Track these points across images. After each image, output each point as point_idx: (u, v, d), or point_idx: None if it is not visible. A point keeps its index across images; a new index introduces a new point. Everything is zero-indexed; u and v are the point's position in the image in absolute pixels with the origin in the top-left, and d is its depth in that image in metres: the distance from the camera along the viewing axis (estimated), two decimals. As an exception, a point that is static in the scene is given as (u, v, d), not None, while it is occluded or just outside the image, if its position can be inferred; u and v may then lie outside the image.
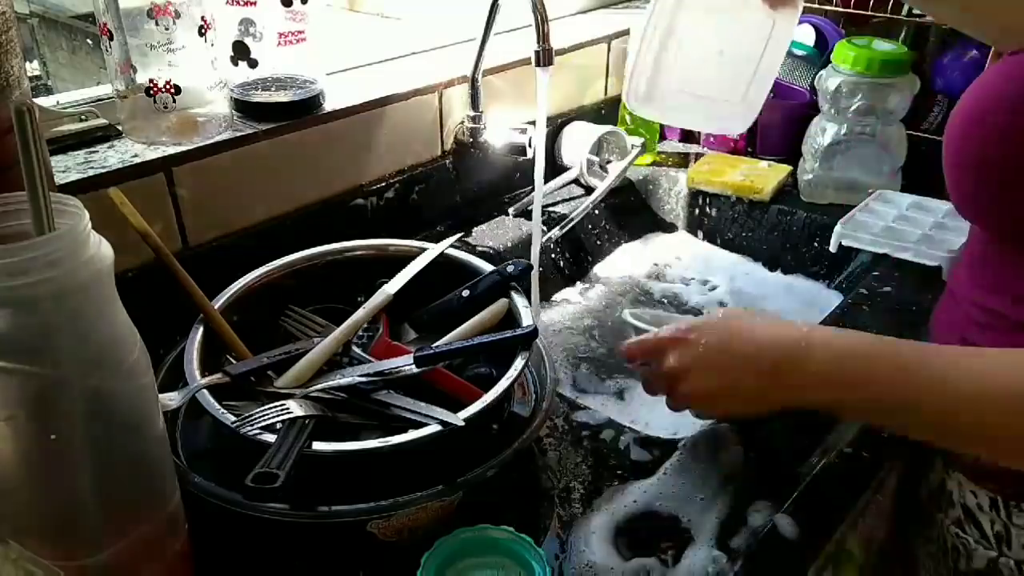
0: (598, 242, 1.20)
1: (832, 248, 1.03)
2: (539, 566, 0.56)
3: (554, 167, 1.25)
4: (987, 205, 0.66)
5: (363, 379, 0.66)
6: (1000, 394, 0.54)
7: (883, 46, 1.11)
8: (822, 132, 1.15)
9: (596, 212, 1.19)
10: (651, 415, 0.85)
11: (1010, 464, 0.63)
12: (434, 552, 0.56)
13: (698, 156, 1.31)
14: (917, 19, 1.22)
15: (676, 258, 1.21)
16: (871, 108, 1.11)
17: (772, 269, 1.16)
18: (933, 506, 0.78)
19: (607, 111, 1.31)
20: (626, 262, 1.19)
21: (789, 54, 1.36)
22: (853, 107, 1.11)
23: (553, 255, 1.12)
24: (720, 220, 1.23)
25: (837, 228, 1.02)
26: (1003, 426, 0.55)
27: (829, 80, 1.14)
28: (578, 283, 1.14)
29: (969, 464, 0.73)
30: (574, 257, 1.16)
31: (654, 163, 1.28)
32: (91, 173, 0.77)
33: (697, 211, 1.25)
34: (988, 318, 0.68)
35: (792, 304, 1.09)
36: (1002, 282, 0.68)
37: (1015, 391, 0.53)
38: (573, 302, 1.09)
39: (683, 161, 1.30)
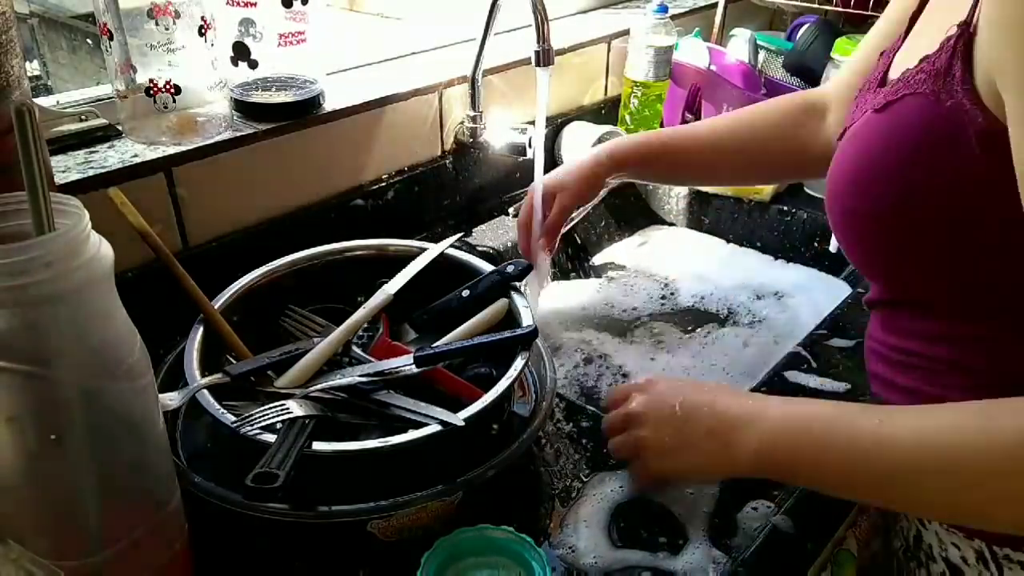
0: (595, 239, 1.20)
1: (832, 248, 1.03)
2: (539, 566, 0.56)
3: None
4: (882, 270, 0.65)
5: (363, 379, 0.66)
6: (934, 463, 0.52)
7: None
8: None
9: (596, 212, 1.19)
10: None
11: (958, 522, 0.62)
12: (434, 552, 0.56)
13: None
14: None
15: (676, 251, 1.21)
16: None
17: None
18: (911, 560, 0.73)
19: (607, 111, 1.31)
20: (625, 257, 1.19)
21: (775, 54, 1.37)
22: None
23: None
24: (720, 220, 1.23)
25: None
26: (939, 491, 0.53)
27: (829, 75, 1.14)
28: (576, 278, 1.15)
29: None
30: (573, 254, 1.16)
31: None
32: (91, 173, 0.77)
33: (697, 211, 1.25)
34: (909, 359, 0.65)
35: (801, 297, 1.09)
36: (913, 325, 0.64)
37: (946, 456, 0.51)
38: (572, 297, 1.10)
39: None
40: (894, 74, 0.62)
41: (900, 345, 0.66)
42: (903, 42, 0.66)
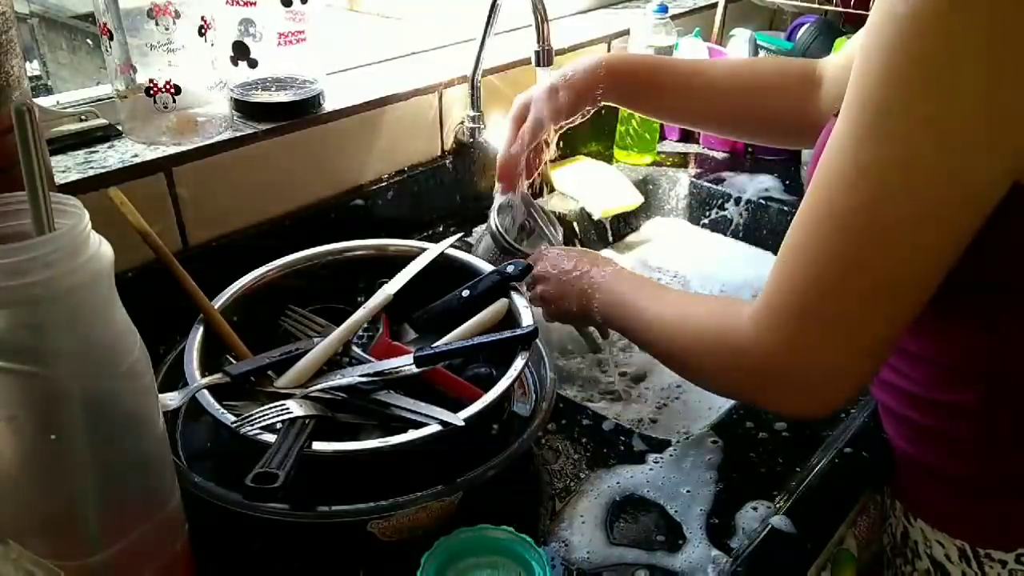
0: (595, 237, 1.20)
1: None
2: (539, 566, 0.56)
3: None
4: None
5: (363, 379, 0.66)
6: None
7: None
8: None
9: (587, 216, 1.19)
10: (651, 411, 0.85)
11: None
12: (434, 552, 0.56)
13: (698, 156, 1.31)
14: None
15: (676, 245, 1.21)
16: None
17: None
18: (898, 556, 0.75)
19: (607, 111, 1.31)
20: (625, 254, 1.20)
21: (775, 54, 1.37)
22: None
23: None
24: (720, 218, 1.23)
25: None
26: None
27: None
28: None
29: (930, 511, 0.70)
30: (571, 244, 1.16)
31: (654, 163, 1.28)
32: (91, 173, 0.77)
33: (697, 208, 1.25)
34: (913, 365, 0.66)
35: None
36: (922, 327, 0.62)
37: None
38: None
39: (682, 161, 1.30)
40: None
41: (905, 347, 0.66)
42: None
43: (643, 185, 1.27)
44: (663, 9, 1.19)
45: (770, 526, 0.63)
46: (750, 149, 1.30)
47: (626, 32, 1.27)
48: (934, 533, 0.69)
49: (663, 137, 1.36)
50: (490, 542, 0.58)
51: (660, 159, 1.29)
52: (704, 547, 0.61)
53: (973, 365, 0.62)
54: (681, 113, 0.92)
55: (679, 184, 1.26)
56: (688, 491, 0.67)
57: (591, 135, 1.30)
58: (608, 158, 1.30)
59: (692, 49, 1.25)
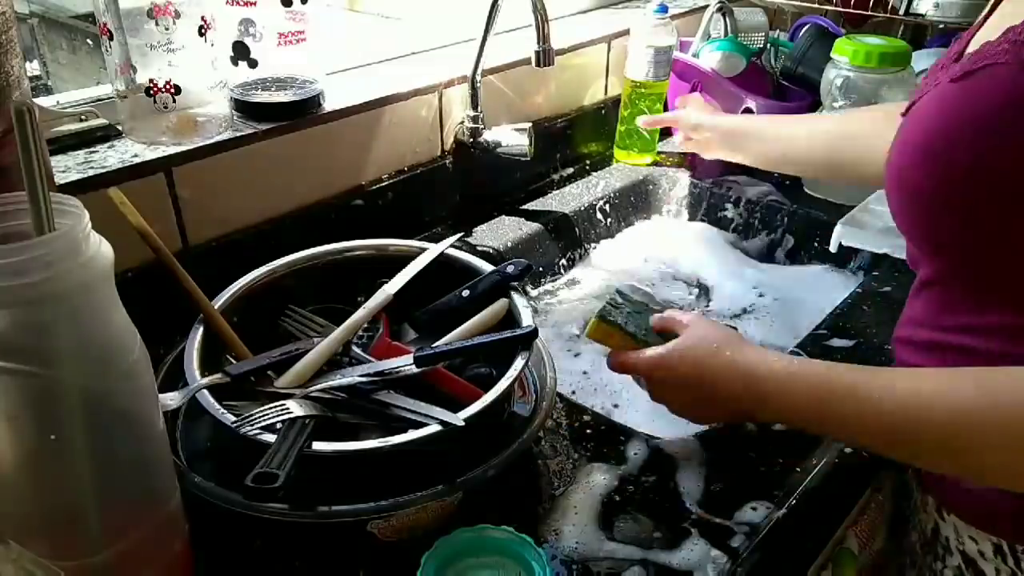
0: (595, 234, 1.20)
1: (832, 248, 1.03)
2: (539, 566, 0.56)
3: (553, 166, 1.25)
4: (947, 241, 0.63)
5: (363, 379, 0.66)
6: (934, 423, 0.55)
7: (880, 41, 1.12)
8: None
9: (594, 206, 1.19)
10: (651, 411, 0.85)
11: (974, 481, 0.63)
12: (434, 552, 0.56)
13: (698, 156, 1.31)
14: (914, 18, 1.23)
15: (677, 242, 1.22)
16: (871, 102, 1.11)
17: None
18: (928, 554, 0.74)
19: (607, 111, 1.31)
20: (624, 252, 1.20)
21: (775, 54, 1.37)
22: (853, 101, 1.11)
23: (550, 241, 1.12)
24: (719, 218, 1.23)
25: (837, 228, 1.02)
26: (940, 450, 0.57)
27: (830, 75, 1.14)
28: (576, 270, 1.15)
29: (965, 507, 0.69)
30: (572, 245, 1.16)
31: (654, 163, 1.28)
32: (91, 173, 0.77)
33: (695, 207, 1.25)
34: (959, 352, 0.64)
35: (801, 296, 1.09)
36: (968, 314, 0.63)
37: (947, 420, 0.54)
38: (571, 289, 1.10)
39: (683, 161, 1.29)
40: (973, 48, 0.61)
41: (949, 339, 0.65)
42: (983, 23, 0.64)
43: (643, 185, 1.27)
44: (663, 9, 1.19)
45: (770, 526, 0.63)
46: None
47: (626, 32, 1.27)
48: (967, 529, 0.68)
49: (667, 135, 1.35)
50: (490, 542, 0.58)
51: (660, 159, 1.29)
52: (704, 547, 0.61)
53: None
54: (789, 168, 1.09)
55: (679, 184, 1.26)
56: (688, 490, 0.67)
57: (591, 135, 1.30)
58: (608, 158, 1.30)
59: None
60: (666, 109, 1.26)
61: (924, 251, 0.67)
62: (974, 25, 0.66)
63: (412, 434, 0.58)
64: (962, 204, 0.58)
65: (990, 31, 0.60)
